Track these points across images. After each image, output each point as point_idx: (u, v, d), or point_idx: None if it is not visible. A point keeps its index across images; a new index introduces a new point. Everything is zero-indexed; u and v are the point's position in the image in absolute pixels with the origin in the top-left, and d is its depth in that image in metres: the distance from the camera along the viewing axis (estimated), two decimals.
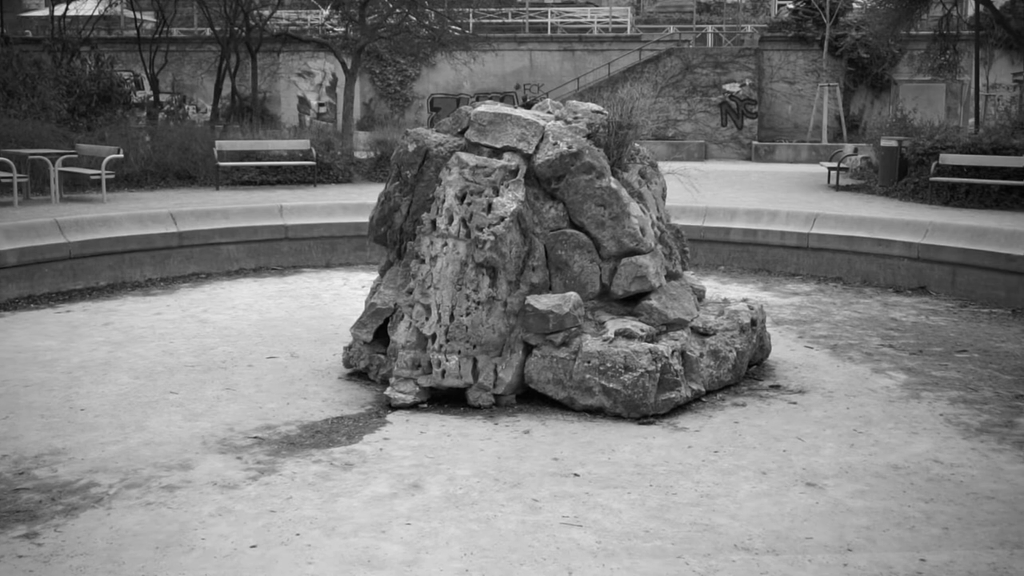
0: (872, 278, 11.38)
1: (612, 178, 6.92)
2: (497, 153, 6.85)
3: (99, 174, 13.99)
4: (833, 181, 18.06)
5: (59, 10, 25.92)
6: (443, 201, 6.72)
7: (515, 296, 6.55)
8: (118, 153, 14.47)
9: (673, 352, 6.41)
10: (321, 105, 32.84)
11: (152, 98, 25.50)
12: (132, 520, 4.59)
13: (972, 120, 21.85)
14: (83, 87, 20.22)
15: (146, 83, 26.62)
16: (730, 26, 34.91)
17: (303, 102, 32.78)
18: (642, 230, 6.86)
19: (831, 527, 4.58)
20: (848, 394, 6.80)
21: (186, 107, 27.76)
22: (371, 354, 7.05)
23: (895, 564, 4.19)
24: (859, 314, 9.64)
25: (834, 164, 18.47)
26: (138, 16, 27.65)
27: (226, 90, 25.44)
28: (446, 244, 6.60)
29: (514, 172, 6.72)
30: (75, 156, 14.76)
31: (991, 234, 10.78)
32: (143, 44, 25.78)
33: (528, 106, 8.71)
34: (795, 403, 6.60)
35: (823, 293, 10.85)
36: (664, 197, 7.89)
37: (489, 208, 6.55)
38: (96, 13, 26.23)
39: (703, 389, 6.62)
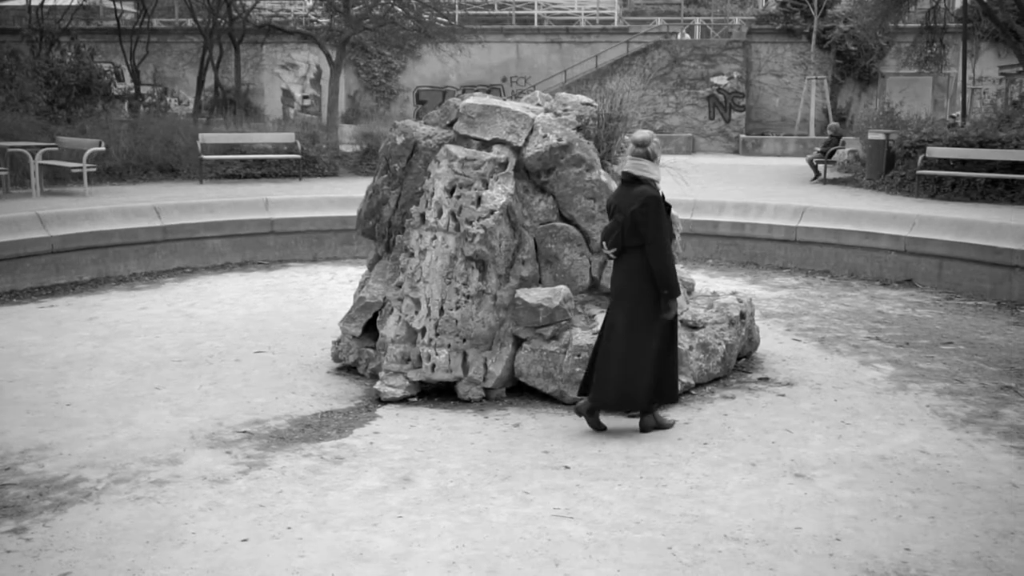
0: (859, 271, 11.43)
1: (602, 171, 6.92)
2: (486, 146, 6.82)
3: (80, 167, 13.87)
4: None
5: None
6: (432, 194, 6.70)
7: (505, 289, 6.54)
8: (100, 146, 14.32)
9: None
10: (305, 98, 32.66)
11: (133, 90, 25.26)
12: (121, 515, 4.56)
13: (959, 113, 21.96)
14: (62, 78, 19.98)
15: (127, 75, 26.37)
16: (718, 18, 34.94)
17: (287, 94, 32.59)
18: None
19: (819, 518, 4.60)
20: (836, 386, 6.84)
21: (168, 99, 27.55)
22: (360, 348, 7.02)
23: (880, 554, 4.22)
24: (846, 307, 9.68)
25: (822, 157, 18.52)
26: (118, 6, 27.36)
27: (209, 82, 25.24)
28: (435, 237, 6.57)
29: (503, 165, 6.70)
30: (55, 149, 14.61)
31: (977, 227, 10.84)
32: (123, 35, 25.52)
33: (518, 99, 8.67)
34: (783, 395, 6.63)
35: (811, 286, 10.90)
36: None
37: (478, 201, 6.53)
38: (75, 3, 25.93)
39: (692, 382, 6.63)
